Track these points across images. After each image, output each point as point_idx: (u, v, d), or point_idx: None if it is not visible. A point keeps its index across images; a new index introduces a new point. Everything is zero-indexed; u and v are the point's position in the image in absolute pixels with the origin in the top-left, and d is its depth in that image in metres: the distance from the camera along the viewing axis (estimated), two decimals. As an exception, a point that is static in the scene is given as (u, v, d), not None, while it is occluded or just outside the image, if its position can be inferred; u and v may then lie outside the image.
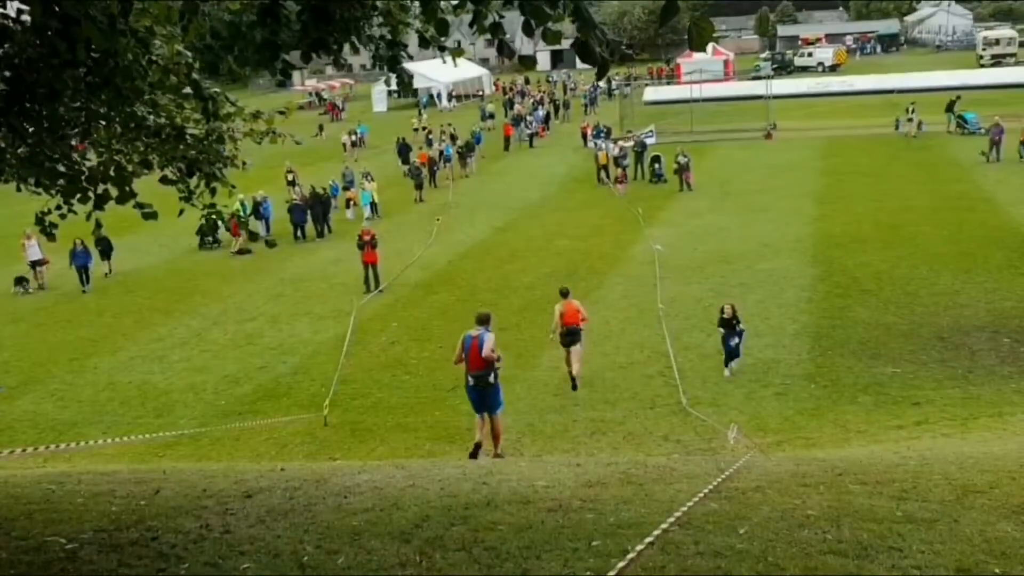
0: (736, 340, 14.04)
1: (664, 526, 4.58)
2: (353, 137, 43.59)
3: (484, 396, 10.37)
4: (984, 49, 64.83)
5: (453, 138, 39.26)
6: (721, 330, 14.20)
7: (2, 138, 4.97)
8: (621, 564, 4.01)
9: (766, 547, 4.33)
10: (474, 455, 10.22)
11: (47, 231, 5.61)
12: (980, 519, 4.78)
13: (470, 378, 10.36)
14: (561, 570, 4.05)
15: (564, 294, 14.09)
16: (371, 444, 12.56)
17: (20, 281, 22.66)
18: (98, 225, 5.52)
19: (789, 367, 14.16)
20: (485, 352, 10.05)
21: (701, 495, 5.37)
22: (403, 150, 37.90)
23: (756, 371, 14.12)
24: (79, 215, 5.46)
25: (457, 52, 4.35)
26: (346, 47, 4.41)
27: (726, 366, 14.09)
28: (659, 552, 4.24)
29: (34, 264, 22.87)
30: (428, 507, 5.34)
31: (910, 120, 36.22)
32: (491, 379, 10.24)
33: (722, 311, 14.24)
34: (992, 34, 67.77)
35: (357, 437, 12.87)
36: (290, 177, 31.16)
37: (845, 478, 6.09)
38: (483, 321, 10.49)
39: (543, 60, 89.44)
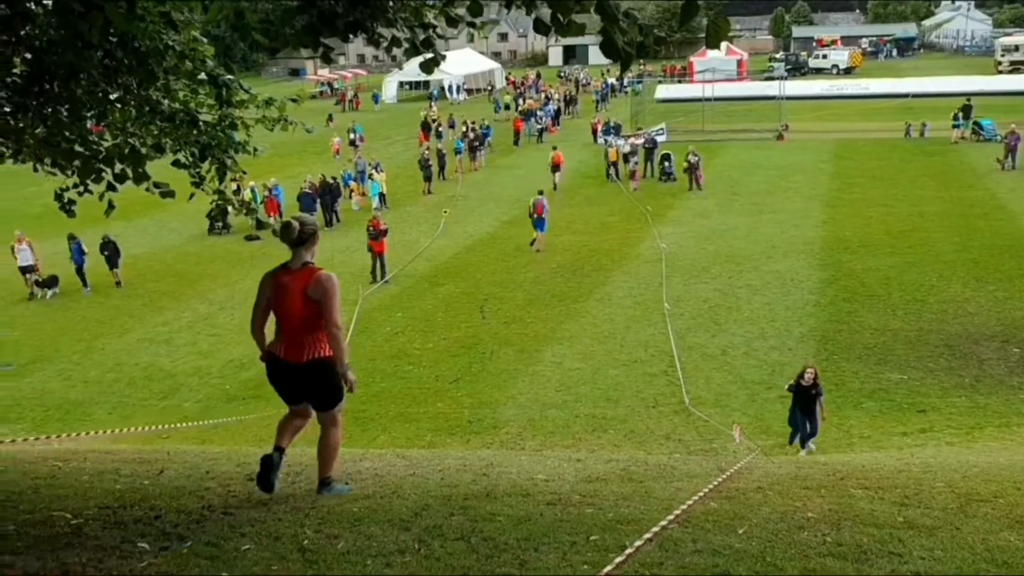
0: (810, 418, 11.09)
1: (663, 523, 4.59)
2: (352, 136, 40.70)
3: (538, 224, 22.38)
4: (1002, 55, 64.39)
5: (467, 129, 39.31)
6: (794, 402, 11.22)
7: (21, 118, 5.01)
8: (619, 559, 4.03)
9: (765, 547, 4.33)
10: (532, 244, 22.63)
11: (66, 208, 5.67)
12: (983, 528, 4.76)
13: (536, 216, 22.37)
14: (559, 563, 4.07)
15: (554, 146, 32.45)
16: (373, 433, 12.61)
17: (83, 282, 20.75)
18: (111, 206, 5.55)
19: (794, 370, 14.05)
20: (547, 207, 22.67)
21: (701, 494, 5.37)
22: (425, 127, 41.76)
23: (760, 373, 14.11)
24: (93, 195, 5.50)
25: (485, 24, 4.35)
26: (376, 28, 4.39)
27: (802, 444, 11.16)
28: (657, 549, 4.26)
29: (24, 270, 20.62)
30: (428, 496, 5.37)
31: (956, 126, 35.74)
32: (544, 216, 22.36)
33: (801, 376, 11.17)
34: (1010, 40, 67.24)
35: (359, 425, 12.92)
36: (234, 186, 26.58)
37: (847, 482, 6.08)
38: (541, 192, 22.99)
39: (555, 56, 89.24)
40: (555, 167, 30.54)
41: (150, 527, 4.58)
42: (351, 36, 4.16)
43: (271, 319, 5.15)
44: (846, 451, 10.84)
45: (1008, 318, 16.03)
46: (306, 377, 5.09)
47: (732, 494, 5.55)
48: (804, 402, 11.13)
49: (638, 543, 4.25)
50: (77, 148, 5.17)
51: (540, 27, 3.75)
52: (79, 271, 20.69)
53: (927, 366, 14.05)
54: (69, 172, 5.37)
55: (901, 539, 4.49)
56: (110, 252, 20.82)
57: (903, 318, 16.31)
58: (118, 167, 5.28)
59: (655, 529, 4.48)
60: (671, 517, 4.72)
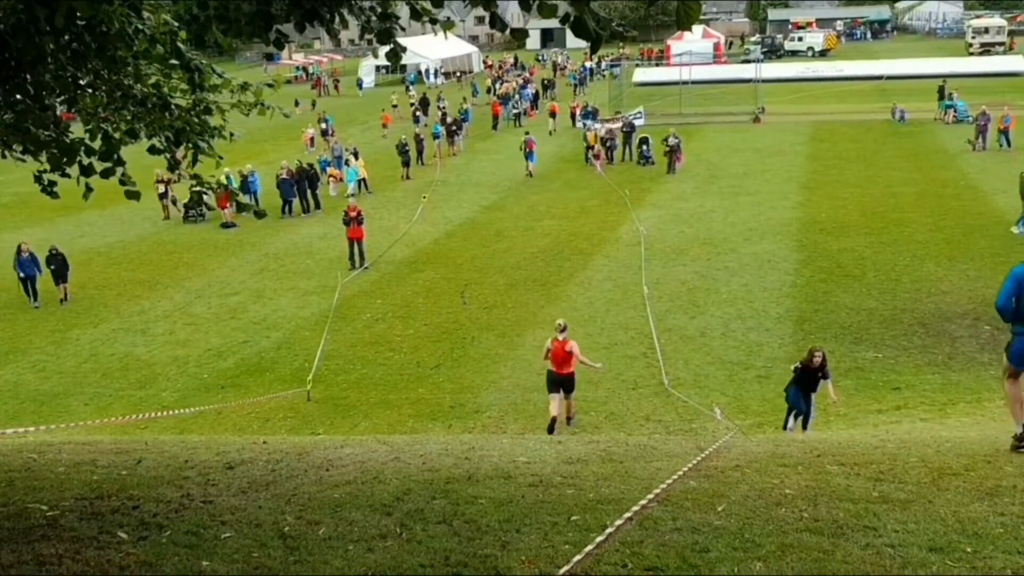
0: (808, 400, 10.77)
1: (643, 502, 4.63)
2: (323, 125, 39.72)
3: (529, 156, 27.72)
4: (973, 37, 65.01)
5: (443, 112, 39.17)
6: (795, 377, 10.82)
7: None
8: (600, 538, 4.07)
9: (743, 524, 4.39)
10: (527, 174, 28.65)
11: (48, 190, 5.54)
12: (954, 500, 4.86)
13: (527, 151, 28.26)
14: (541, 543, 4.09)
15: (553, 97, 44.20)
16: (354, 419, 12.59)
17: (33, 294, 18.61)
18: (88, 189, 5.43)
19: (772, 350, 14.28)
20: (535, 143, 28.43)
21: (680, 473, 5.43)
22: (424, 103, 43.97)
23: (739, 353, 14.23)
24: (71, 178, 5.40)
25: (448, 25, 4.30)
26: (337, 19, 4.35)
27: (793, 427, 10.87)
28: (637, 527, 4.30)
29: None
30: (410, 481, 5.38)
31: (949, 107, 36.03)
32: (534, 150, 27.60)
33: (811, 358, 10.65)
34: (981, 23, 67.91)
35: (340, 413, 12.89)
36: (161, 188, 25.49)
37: (823, 459, 6.16)
38: (527, 133, 28.85)
39: (533, 39, 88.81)
40: (552, 114, 39.59)
41: (128, 517, 4.54)
42: (307, 25, 4.10)
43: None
44: (823, 429, 10.97)
45: (980, 296, 16.25)
46: (564, 381, 11.48)
47: (711, 473, 5.61)
48: (807, 383, 10.74)
49: (618, 522, 4.29)
50: (46, 135, 5.06)
51: (496, 23, 3.71)
52: (29, 282, 18.58)
53: (901, 344, 14.24)
54: (40, 160, 5.25)
55: (876, 513, 4.57)
56: (57, 265, 18.69)
57: (878, 297, 16.49)
58: (87, 160, 5.16)
59: (635, 508, 4.52)
60: (651, 496, 4.76)
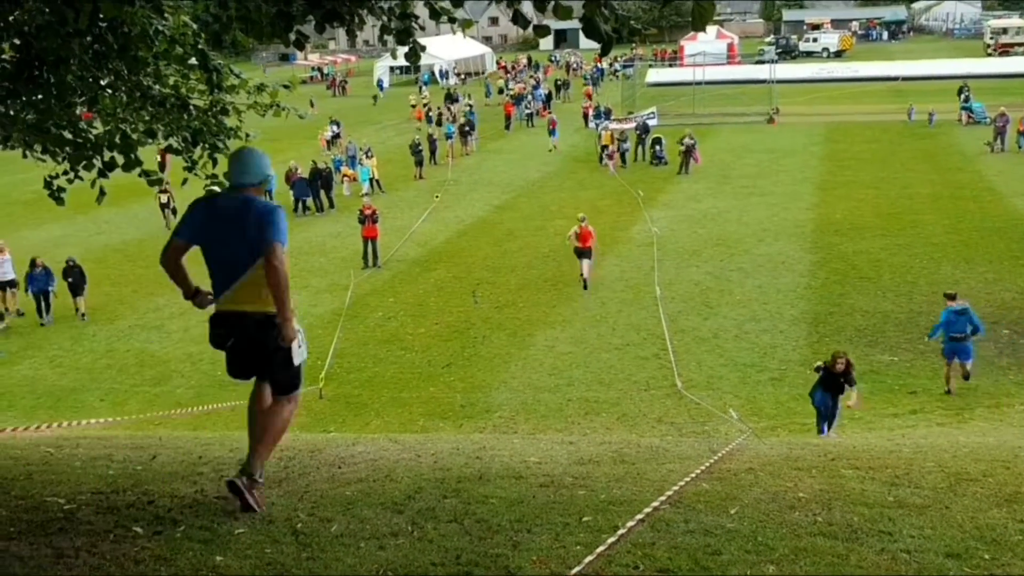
0: (835, 402, 10.54)
1: (655, 504, 4.62)
2: (335, 128, 39.46)
3: (552, 132, 35.05)
4: (992, 38, 64.43)
5: (453, 116, 39.27)
6: (819, 383, 10.61)
7: (11, 104, 4.97)
8: (611, 540, 4.06)
9: (756, 527, 4.37)
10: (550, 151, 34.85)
11: (55, 196, 5.61)
12: (972, 506, 4.81)
13: (551, 128, 35.37)
14: (552, 544, 4.09)
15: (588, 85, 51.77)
16: (365, 418, 12.63)
17: (46, 308, 17.61)
18: (102, 192, 5.50)
19: (786, 352, 14.21)
20: (558, 123, 36.29)
21: (693, 475, 5.40)
22: (450, 98, 47.24)
23: (752, 356, 14.18)
24: (85, 181, 5.47)
25: (467, 24, 4.31)
26: (356, 19, 4.37)
27: (826, 431, 10.53)
28: (649, 529, 4.29)
29: (4, 285, 17.66)
30: (421, 479, 5.38)
31: (966, 108, 35.76)
32: (556, 128, 35.32)
33: (833, 362, 10.40)
34: (1000, 23, 67.31)
35: (352, 411, 12.94)
36: (164, 198, 24.55)
37: (838, 463, 6.12)
38: (550, 111, 39.73)
39: (545, 40, 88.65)
40: (587, 96, 46.19)
41: (143, 512, 4.58)
42: (326, 26, 4.13)
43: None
44: (837, 432, 10.91)
45: (997, 299, 16.11)
46: (587, 251, 17.83)
47: (724, 475, 5.58)
48: (832, 386, 10.55)
49: (630, 524, 4.28)
50: (67, 135, 5.14)
51: (519, 20, 3.72)
52: (43, 297, 17.51)
53: (917, 348, 14.13)
54: (60, 159, 5.32)
55: (891, 518, 4.54)
56: (75, 278, 17.67)
57: (894, 300, 16.38)
58: (108, 155, 5.24)
59: (647, 510, 4.51)
60: (663, 498, 4.75)
